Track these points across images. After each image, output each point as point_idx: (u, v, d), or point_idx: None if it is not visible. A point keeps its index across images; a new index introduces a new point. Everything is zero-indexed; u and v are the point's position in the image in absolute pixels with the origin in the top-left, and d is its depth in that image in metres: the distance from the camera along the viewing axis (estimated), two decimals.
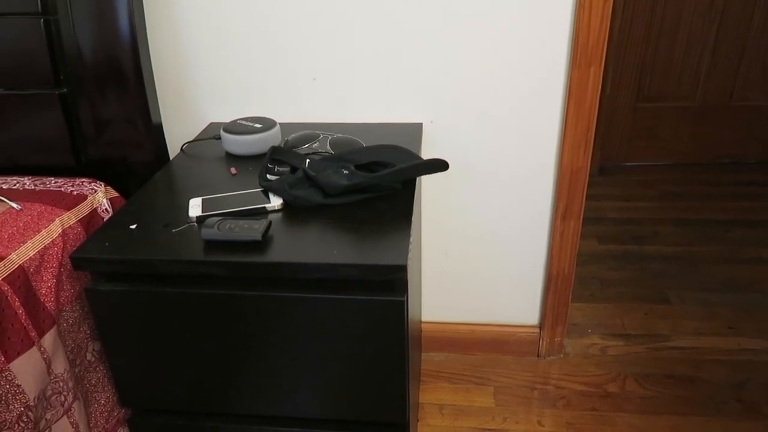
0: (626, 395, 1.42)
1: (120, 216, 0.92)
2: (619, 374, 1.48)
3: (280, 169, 1.01)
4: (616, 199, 2.36)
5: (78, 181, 1.14)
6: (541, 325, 1.52)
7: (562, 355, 1.55)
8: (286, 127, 1.26)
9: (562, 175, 1.31)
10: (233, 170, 1.07)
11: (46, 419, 0.91)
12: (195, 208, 0.91)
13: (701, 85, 2.46)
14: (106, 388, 1.07)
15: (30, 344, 0.87)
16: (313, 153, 1.09)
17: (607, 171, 2.59)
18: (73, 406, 0.97)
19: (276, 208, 0.92)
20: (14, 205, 1.02)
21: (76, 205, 1.06)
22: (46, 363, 0.90)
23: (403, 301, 0.80)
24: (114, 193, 1.15)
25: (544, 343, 1.53)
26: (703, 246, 2.02)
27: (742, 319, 1.66)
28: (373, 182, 0.93)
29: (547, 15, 1.17)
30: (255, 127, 1.13)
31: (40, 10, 1.10)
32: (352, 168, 0.96)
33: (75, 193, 1.09)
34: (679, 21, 2.33)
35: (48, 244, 0.95)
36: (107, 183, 1.17)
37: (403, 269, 0.78)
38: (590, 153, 1.28)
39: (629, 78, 2.45)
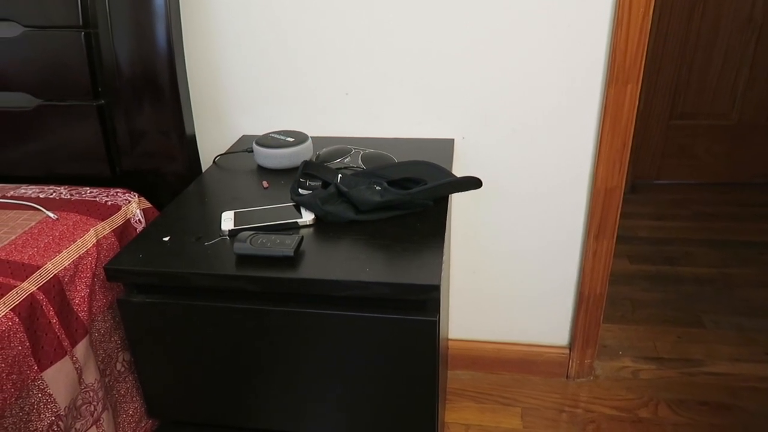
0: (658, 421, 1.38)
1: (153, 228, 0.93)
2: (651, 399, 1.44)
3: (312, 183, 1.01)
4: (647, 218, 2.31)
5: (112, 191, 1.16)
6: (571, 346, 1.49)
7: (592, 378, 1.52)
8: (318, 141, 1.26)
9: (596, 194, 1.28)
10: (265, 184, 1.07)
11: (75, 429, 0.92)
12: (227, 221, 0.91)
13: (737, 103, 2.40)
14: (134, 399, 1.08)
15: (63, 353, 0.88)
16: (344, 168, 1.09)
17: (639, 189, 2.54)
18: (102, 416, 0.97)
19: (308, 223, 0.91)
20: (51, 214, 1.03)
21: (111, 215, 1.07)
22: (77, 372, 0.91)
23: (435, 321, 0.79)
24: (147, 204, 1.17)
25: (574, 364, 1.50)
26: (737, 268, 1.96)
27: None
28: (406, 199, 0.92)
29: (583, 31, 1.16)
30: (287, 141, 1.13)
31: (81, 23, 1.12)
32: (385, 184, 0.95)
33: (109, 203, 1.10)
34: (715, 37, 2.29)
35: (83, 254, 0.96)
36: (140, 194, 1.18)
37: (436, 289, 0.76)
38: (625, 172, 1.25)
39: (663, 94, 2.41)
